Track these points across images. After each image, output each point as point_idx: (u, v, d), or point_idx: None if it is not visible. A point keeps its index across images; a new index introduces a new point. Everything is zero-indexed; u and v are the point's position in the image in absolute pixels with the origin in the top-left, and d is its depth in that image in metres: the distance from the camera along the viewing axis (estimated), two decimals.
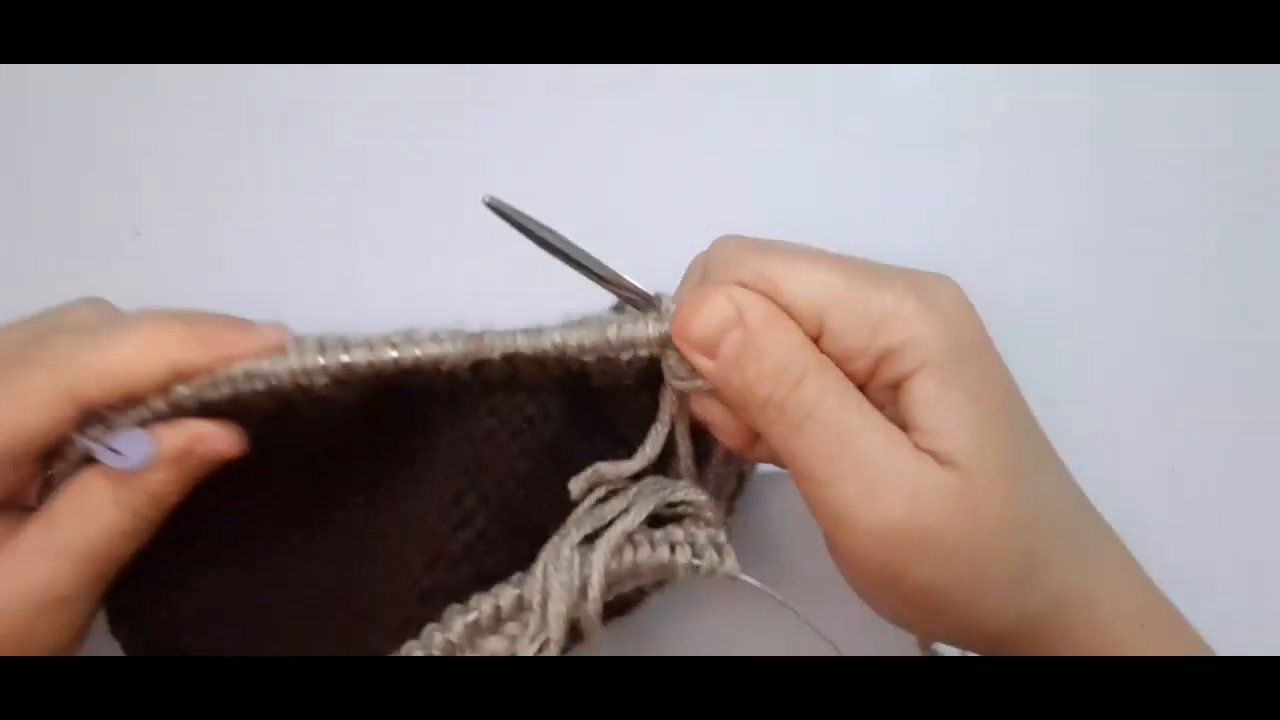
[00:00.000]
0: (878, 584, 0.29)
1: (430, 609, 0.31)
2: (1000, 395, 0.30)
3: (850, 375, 0.29)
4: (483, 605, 0.30)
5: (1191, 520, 0.40)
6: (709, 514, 0.32)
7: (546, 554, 0.30)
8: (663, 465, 0.33)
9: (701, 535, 0.31)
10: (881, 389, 0.30)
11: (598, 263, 0.30)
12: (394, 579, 0.31)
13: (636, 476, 0.32)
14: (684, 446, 0.33)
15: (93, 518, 0.30)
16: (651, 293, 0.31)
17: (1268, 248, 0.42)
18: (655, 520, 0.31)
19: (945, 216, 0.42)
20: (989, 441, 0.29)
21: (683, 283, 0.33)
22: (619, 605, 0.35)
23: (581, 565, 0.30)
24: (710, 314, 0.29)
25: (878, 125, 0.43)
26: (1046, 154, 0.42)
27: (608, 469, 0.31)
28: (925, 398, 0.28)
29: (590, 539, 0.30)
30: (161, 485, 0.31)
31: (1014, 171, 0.42)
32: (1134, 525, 0.39)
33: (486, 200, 0.29)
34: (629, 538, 0.30)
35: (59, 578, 0.30)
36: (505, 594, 0.30)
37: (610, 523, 0.30)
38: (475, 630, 0.30)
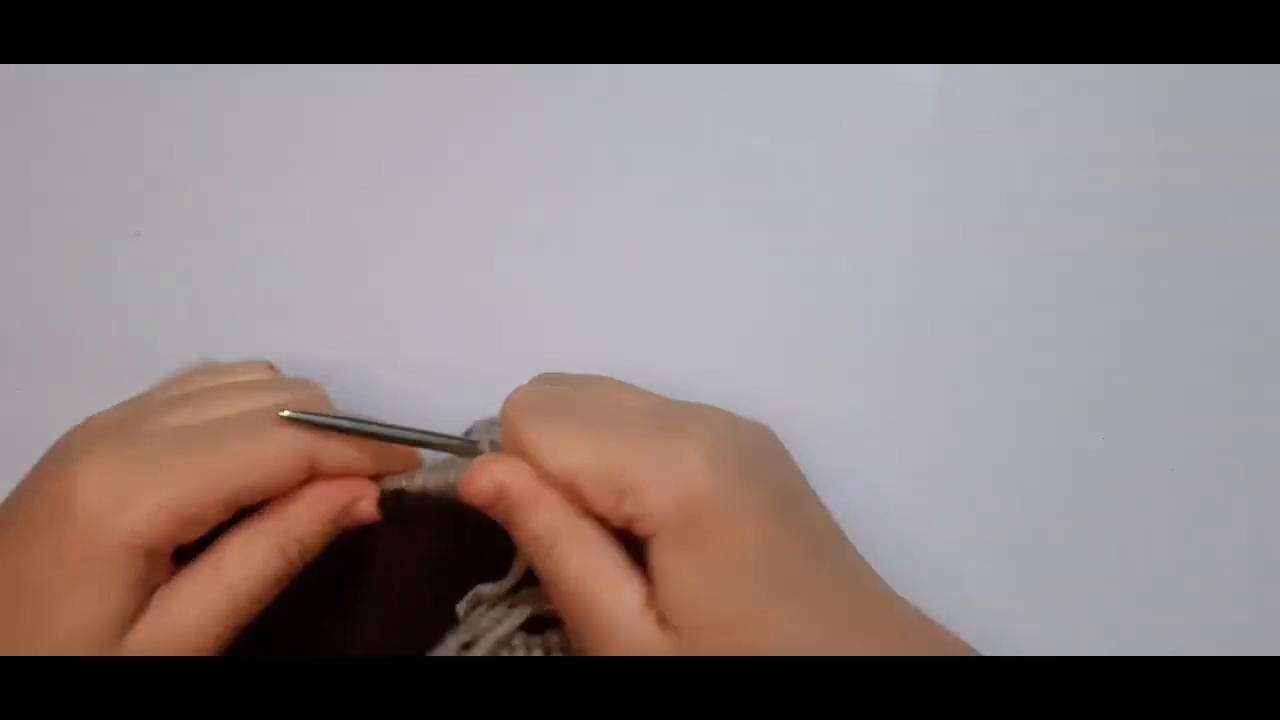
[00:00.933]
0: None
1: None
2: (737, 548, 0.30)
3: (610, 527, 0.32)
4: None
5: (1191, 520, 0.40)
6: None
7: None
8: None
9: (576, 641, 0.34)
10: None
11: (410, 431, 0.34)
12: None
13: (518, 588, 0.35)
14: None
15: (253, 563, 0.32)
16: (471, 438, 0.35)
17: (1273, 248, 0.42)
18: (544, 625, 0.34)
19: (946, 216, 0.42)
20: (708, 598, 0.30)
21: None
22: None
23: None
24: (479, 488, 0.32)
25: (878, 125, 0.43)
26: (1047, 153, 0.42)
27: (487, 589, 0.34)
28: (656, 561, 0.30)
29: (468, 646, 0.33)
30: (315, 536, 0.33)
31: (1015, 171, 0.42)
32: (1134, 525, 0.40)
33: (282, 415, 0.33)
34: (505, 644, 0.33)
35: (217, 621, 0.32)
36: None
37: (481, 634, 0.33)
38: None
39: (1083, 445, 0.40)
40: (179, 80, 0.43)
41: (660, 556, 0.30)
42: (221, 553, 0.32)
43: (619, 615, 0.30)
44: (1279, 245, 0.41)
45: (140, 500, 0.30)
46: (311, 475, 0.33)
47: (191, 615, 0.31)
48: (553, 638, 0.34)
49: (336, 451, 0.33)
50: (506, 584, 0.34)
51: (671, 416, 0.33)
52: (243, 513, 0.33)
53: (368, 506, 0.34)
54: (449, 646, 0.33)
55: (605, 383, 0.36)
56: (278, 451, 0.33)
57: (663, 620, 0.30)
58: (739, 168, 0.42)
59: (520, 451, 0.32)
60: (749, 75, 0.42)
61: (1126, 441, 0.40)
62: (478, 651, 0.33)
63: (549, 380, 0.37)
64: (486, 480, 0.32)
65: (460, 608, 0.34)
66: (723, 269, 0.41)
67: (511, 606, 0.34)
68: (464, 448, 0.34)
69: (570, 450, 0.31)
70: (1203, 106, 0.42)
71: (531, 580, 0.34)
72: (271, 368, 0.38)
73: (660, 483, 0.30)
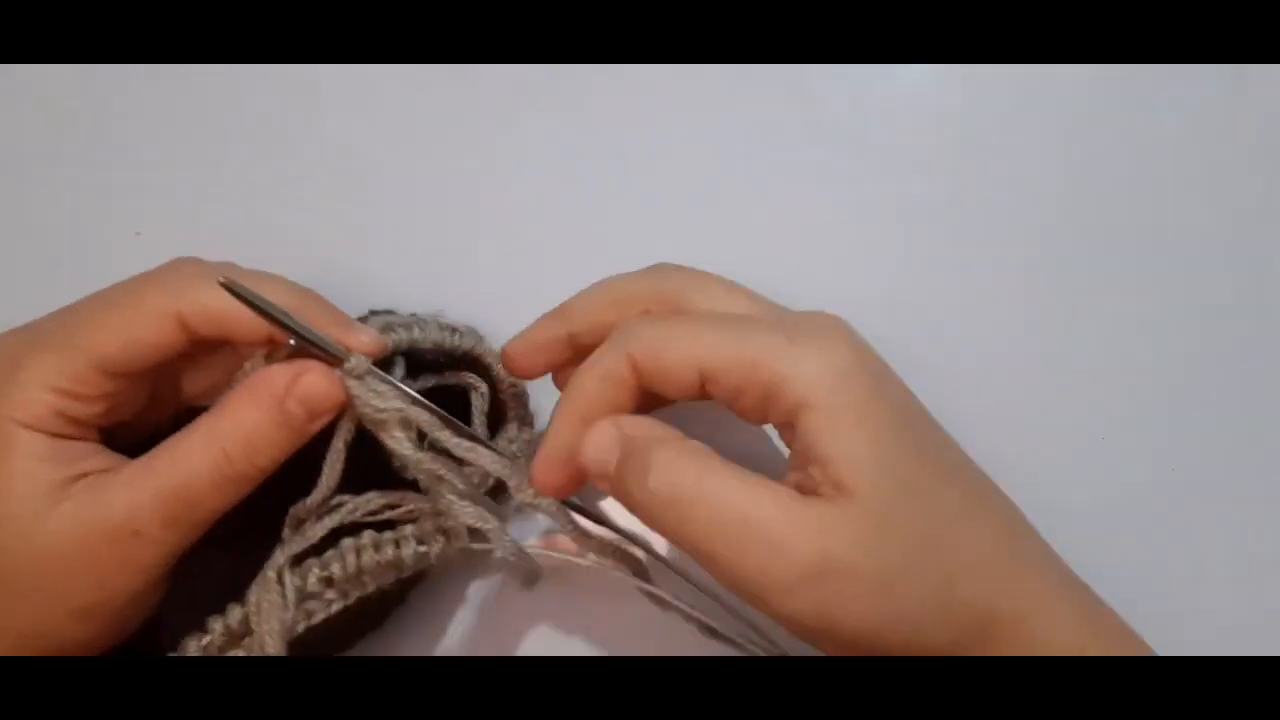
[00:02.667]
0: (820, 640, 0.30)
1: None
2: (894, 412, 0.30)
3: (744, 415, 0.31)
4: (215, 626, 0.32)
5: (1191, 520, 0.40)
6: (426, 508, 0.33)
7: (258, 579, 0.32)
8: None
9: (430, 525, 0.33)
10: (784, 430, 0.31)
11: (300, 326, 0.32)
12: None
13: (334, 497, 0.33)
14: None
15: (184, 456, 0.31)
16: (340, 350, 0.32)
17: (1273, 249, 0.42)
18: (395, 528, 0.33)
19: (945, 216, 0.42)
20: (883, 460, 0.29)
21: (535, 327, 0.36)
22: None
23: (279, 582, 0.31)
24: (594, 451, 0.31)
25: (878, 125, 0.43)
26: (1047, 153, 0.42)
27: (298, 506, 0.33)
28: (814, 426, 0.29)
29: (300, 559, 0.32)
30: (259, 426, 0.31)
31: (1014, 171, 0.42)
32: (1134, 525, 0.40)
33: (220, 281, 0.31)
34: (355, 544, 0.32)
35: (138, 510, 0.31)
36: (234, 614, 0.32)
37: (319, 543, 0.32)
38: (211, 650, 0.31)
39: (1082, 445, 0.40)
40: (179, 80, 0.43)
41: (824, 421, 0.29)
42: (158, 447, 0.32)
43: (784, 504, 0.29)
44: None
45: (11, 379, 0.31)
46: (193, 338, 0.32)
47: (115, 501, 0.31)
48: (405, 529, 0.33)
49: (203, 305, 0.32)
50: (317, 495, 0.33)
51: (791, 315, 0.33)
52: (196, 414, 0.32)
53: (312, 381, 0.31)
54: (276, 559, 0.32)
55: (712, 281, 0.35)
56: (134, 313, 0.32)
57: (833, 491, 0.29)
58: (739, 167, 0.42)
59: (642, 352, 0.31)
60: (749, 75, 0.42)
61: (1126, 441, 0.40)
62: (313, 562, 0.32)
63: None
64: (603, 446, 0.31)
65: (285, 532, 0.33)
66: (722, 268, 0.41)
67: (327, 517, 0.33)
68: (337, 357, 0.32)
69: (695, 339, 0.31)
70: (1204, 106, 0.42)
71: (351, 487, 0.33)
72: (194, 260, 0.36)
73: (799, 345, 0.30)
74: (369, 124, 0.43)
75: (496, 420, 0.37)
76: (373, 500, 0.33)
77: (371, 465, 0.33)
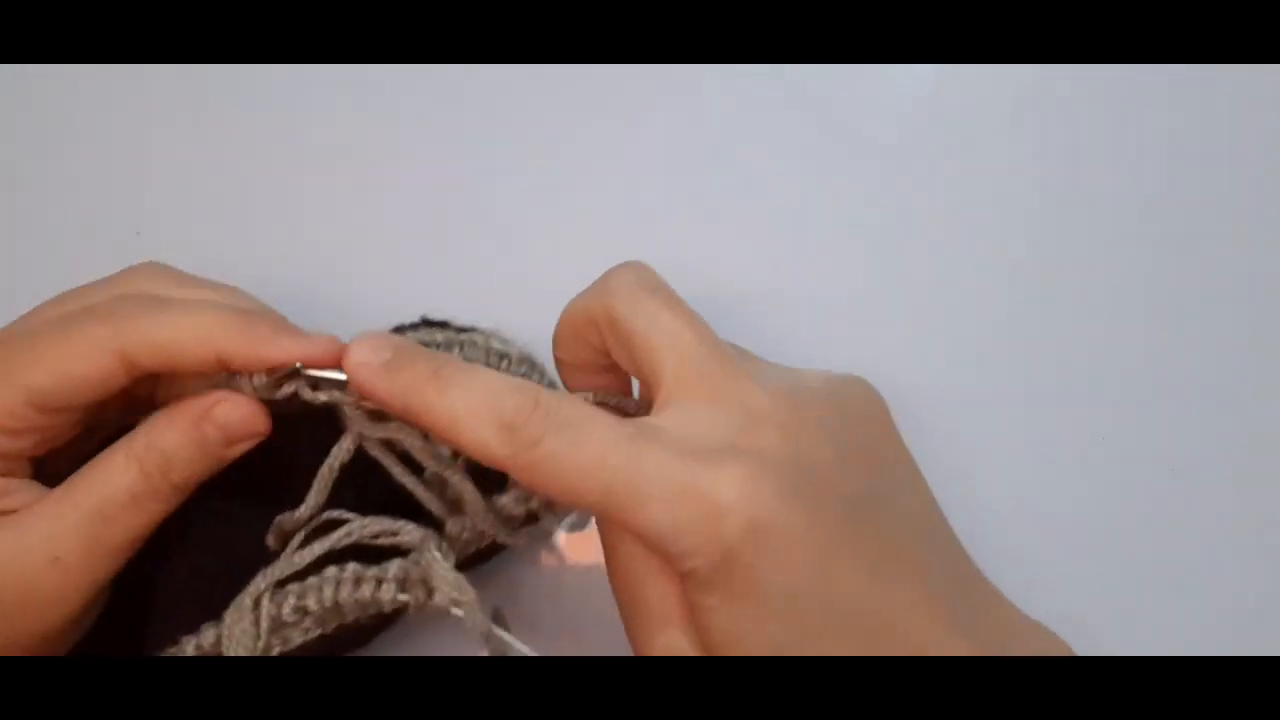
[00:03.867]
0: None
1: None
2: (782, 586, 0.27)
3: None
4: (188, 645, 0.31)
5: (1191, 520, 0.40)
6: (419, 547, 0.31)
7: (235, 602, 0.31)
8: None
9: (414, 571, 0.31)
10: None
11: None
12: None
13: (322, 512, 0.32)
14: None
15: (105, 477, 0.31)
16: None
17: (1274, 249, 0.42)
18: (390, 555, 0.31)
19: (944, 216, 0.42)
20: (752, 643, 0.27)
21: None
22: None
23: (254, 610, 0.30)
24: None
25: (878, 125, 0.43)
26: (1047, 153, 0.42)
27: (284, 519, 0.32)
28: (691, 599, 0.28)
29: (284, 584, 0.31)
30: (175, 446, 0.31)
31: (1014, 171, 0.42)
32: (1134, 525, 0.40)
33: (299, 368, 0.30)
34: (338, 576, 0.31)
35: (58, 536, 0.30)
36: (208, 635, 0.31)
37: (303, 569, 0.31)
38: None
39: (1082, 445, 0.40)
40: (178, 80, 0.43)
41: (694, 597, 0.27)
42: (79, 471, 0.31)
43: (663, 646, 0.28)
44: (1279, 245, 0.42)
45: None
46: (135, 374, 0.31)
47: (34, 532, 0.30)
48: (390, 568, 0.31)
49: (148, 341, 0.30)
50: (305, 511, 0.31)
51: (702, 435, 0.28)
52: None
53: (227, 410, 0.31)
54: (257, 584, 0.31)
55: (660, 307, 0.31)
56: (71, 348, 0.30)
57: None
58: (739, 167, 0.43)
59: (531, 466, 0.28)
60: (749, 75, 0.42)
61: (1127, 441, 0.40)
62: (292, 589, 0.30)
63: None
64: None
65: (270, 539, 0.32)
66: (720, 269, 0.42)
67: (315, 534, 0.31)
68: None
69: (583, 476, 0.27)
70: (1204, 106, 0.42)
71: (357, 504, 0.32)
72: (153, 268, 0.35)
73: (685, 527, 0.26)
74: (370, 124, 0.43)
75: None
76: (370, 525, 0.32)
77: (364, 479, 0.32)
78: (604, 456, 0.27)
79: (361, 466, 0.32)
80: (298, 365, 0.30)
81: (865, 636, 0.27)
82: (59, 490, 0.31)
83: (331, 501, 0.32)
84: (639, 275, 0.31)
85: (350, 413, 0.31)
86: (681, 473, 0.27)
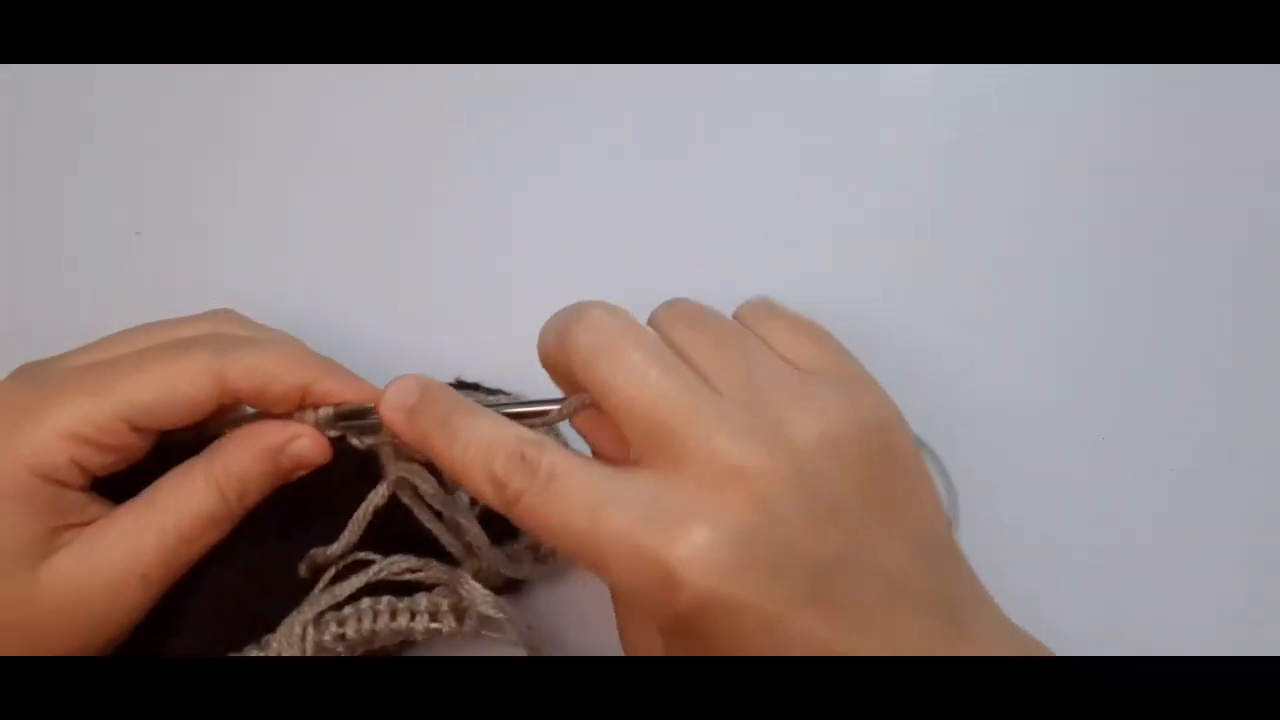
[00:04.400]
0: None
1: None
2: (734, 647, 0.27)
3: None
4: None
5: (1192, 520, 0.40)
6: (444, 579, 0.34)
7: (280, 629, 0.33)
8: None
9: (445, 602, 0.34)
10: None
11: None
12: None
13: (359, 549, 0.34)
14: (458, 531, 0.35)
15: (186, 498, 0.32)
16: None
17: (1274, 249, 0.42)
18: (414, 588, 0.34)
19: (944, 216, 0.42)
20: None
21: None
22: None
23: (303, 636, 0.33)
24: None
25: (878, 125, 0.43)
26: (1047, 153, 0.42)
27: (318, 553, 0.34)
28: (646, 643, 0.30)
29: (322, 616, 0.33)
30: (251, 473, 0.33)
31: (1014, 171, 0.42)
32: (1134, 525, 0.40)
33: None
34: (373, 607, 0.33)
35: (143, 554, 0.32)
36: (254, 652, 0.33)
37: (342, 601, 0.34)
38: None
39: (1082, 445, 0.40)
40: (179, 80, 0.43)
41: (651, 643, 0.29)
42: (156, 489, 0.32)
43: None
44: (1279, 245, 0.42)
45: (35, 422, 0.31)
46: (232, 398, 0.33)
47: (117, 547, 0.31)
48: (421, 600, 0.34)
49: (247, 367, 0.32)
50: (338, 548, 0.34)
51: (693, 478, 0.27)
52: (183, 456, 0.33)
53: (305, 445, 0.33)
54: (304, 613, 0.33)
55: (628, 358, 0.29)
56: (178, 367, 0.32)
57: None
58: (738, 168, 0.42)
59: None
60: (749, 75, 0.42)
61: (1126, 441, 0.40)
62: (332, 617, 0.33)
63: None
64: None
65: (301, 568, 0.34)
66: (719, 269, 0.42)
67: (351, 569, 0.34)
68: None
69: (554, 535, 0.28)
70: (1204, 106, 0.42)
71: (375, 540, 0.34)
72: (229, 314, 0.36)
73: (641, 592, 0.27)
74: (373, 122, 0.43)
75: None
76: (397, 563, 0.34)
77: (386, 517, 0.34)
78: (569, 520, 0.28)
79: (385, 505, 0.34)
80: (370, 405, 0.32)
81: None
82: (137, 507, 0.32)
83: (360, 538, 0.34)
84: (590, 338, 0.29)
85: (387, 458, 0.33)
86: (641, 539, 0.27)
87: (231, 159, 0.43)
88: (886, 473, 0.29)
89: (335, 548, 0.34)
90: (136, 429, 0.32)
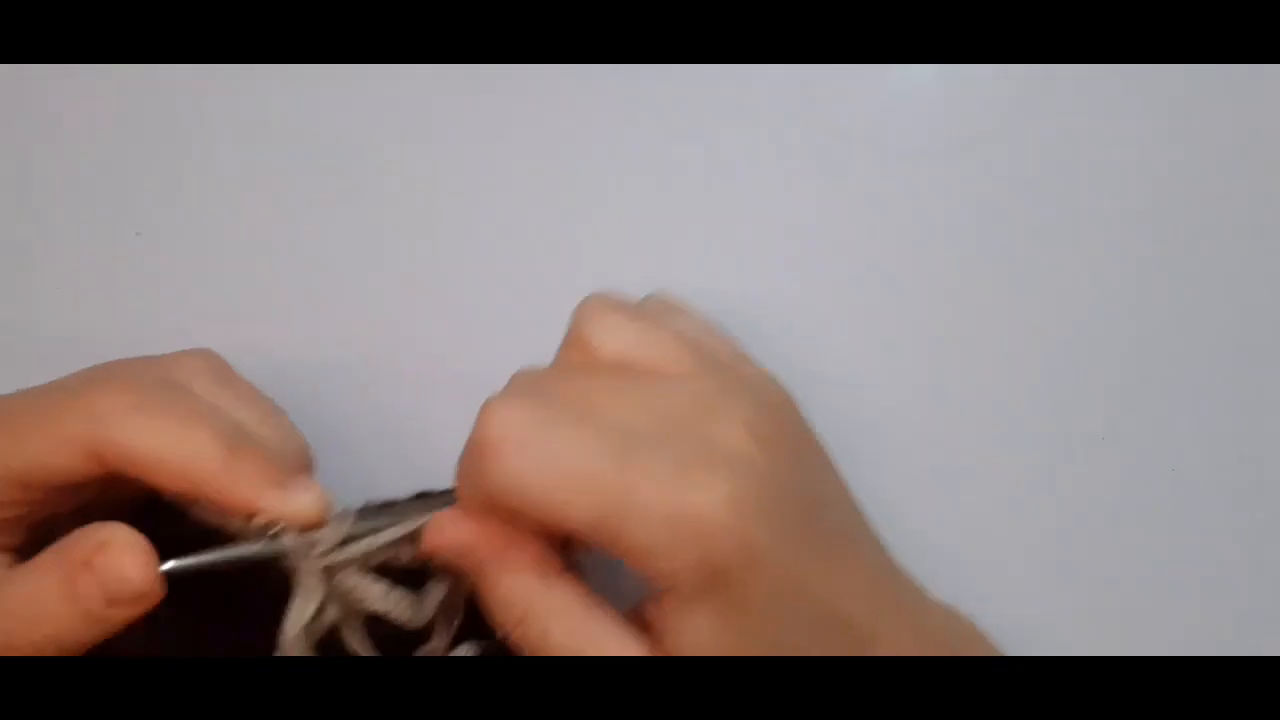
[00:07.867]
0: None
1: None
2: (760, 596, 0.28)
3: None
4: None
5: (1192, 521, 0.40)
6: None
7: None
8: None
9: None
10: None
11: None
12: None
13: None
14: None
15: (41, 619, 0.29)
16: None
17: (1274, 249, 0.42)
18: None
19: (945, 216, 0.42)
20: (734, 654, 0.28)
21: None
22: None
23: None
24: (436, 548, 0.30)
25: (878, 125, 0.43)
26: (1047, 154, 0.42)
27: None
28: (669, 621, 0.28)
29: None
30: (40, 600, 0.29)
31: (1014, 172, 0.42)
32: (1135, 526, 0.40)
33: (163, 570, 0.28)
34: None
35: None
36: None
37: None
38: None
39: (1082, 445, 0.40)
40: (179, 80, 0.43)
41: (675, 618, 0.27)
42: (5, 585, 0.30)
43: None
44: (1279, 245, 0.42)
45: None
46: (113, 470, 0.29)
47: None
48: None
49: (125, 450, 0.29)
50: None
51: (698, 438, 0.28)
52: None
53: (119, 558, 0.28)
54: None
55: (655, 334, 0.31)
56: (48, 435, 0.29)
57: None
58: (738, 168, 0.42)
59: (494, 495, 0.28)
60: (749, 75, 0.42)
61: (1126, 441, 0.40)
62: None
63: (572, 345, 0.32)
64: (442, 540, 0.29)
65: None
66: (720, 269, 0.42)
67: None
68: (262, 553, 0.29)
69: (559, 503, 0.27)
70: (1204, 106, 0.42)
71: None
72: (208, 355, 0.34)
73: (674, 545, 0.27)
74: (375, 122, 0.43)
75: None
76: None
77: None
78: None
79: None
80: (273, 530, 0.29)
81: (824, 629, 0.29)
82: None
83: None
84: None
85: (306, 576, 0.29)
86: (670, 488, 0.27)
87: (231, 159, 0.43)
88: (813, 441, 0.32)
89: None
90: (31, 489, 0.30)
